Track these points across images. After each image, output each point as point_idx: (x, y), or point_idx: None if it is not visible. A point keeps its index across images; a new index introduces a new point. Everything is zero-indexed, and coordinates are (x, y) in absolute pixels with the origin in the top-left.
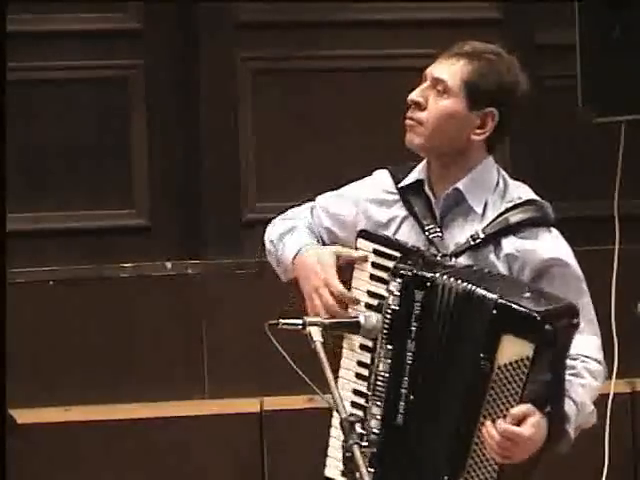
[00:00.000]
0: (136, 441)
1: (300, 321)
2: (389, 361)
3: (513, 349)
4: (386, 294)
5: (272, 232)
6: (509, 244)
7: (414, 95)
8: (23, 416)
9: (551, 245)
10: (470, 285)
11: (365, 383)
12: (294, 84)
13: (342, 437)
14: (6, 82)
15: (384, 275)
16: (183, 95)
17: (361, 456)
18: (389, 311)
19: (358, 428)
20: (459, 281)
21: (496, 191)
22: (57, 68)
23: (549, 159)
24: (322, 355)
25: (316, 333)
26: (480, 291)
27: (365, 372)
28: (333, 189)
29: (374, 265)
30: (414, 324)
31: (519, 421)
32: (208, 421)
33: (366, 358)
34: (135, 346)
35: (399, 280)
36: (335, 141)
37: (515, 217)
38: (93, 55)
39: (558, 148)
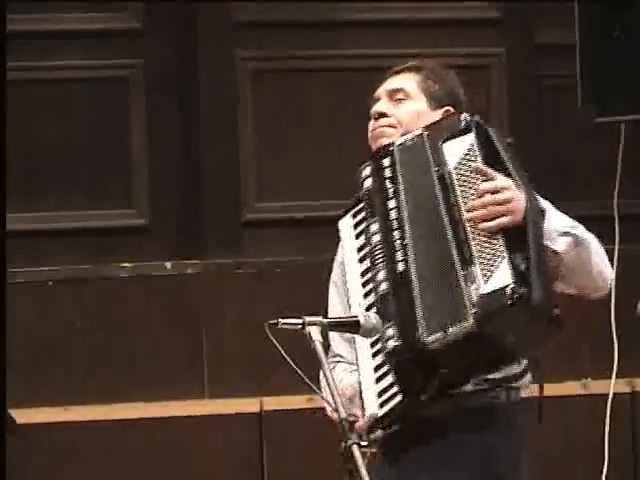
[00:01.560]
0: (136, 441)
1: (299, 321)
2: (378, 225)
3: (457, 147)
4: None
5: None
6: None
7: (377, 107)
8: (23, 416)
9: None
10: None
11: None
12: (294, 84)
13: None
14: (6, 82)
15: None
16: (183, 95)
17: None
18: (367, 193)
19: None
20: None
21: None
22: (57, 68)
23: (549, 159)
24: (321, 355)
25: (315, 333)
26: (419, 131)
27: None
28: (333, 189)
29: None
30: (389, 186)
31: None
32: (208, 421)
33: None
34: (135, 346)
35: (370, 162)
36: (335, 141)
37: None
38: (93, 55)
39: (558, 148)
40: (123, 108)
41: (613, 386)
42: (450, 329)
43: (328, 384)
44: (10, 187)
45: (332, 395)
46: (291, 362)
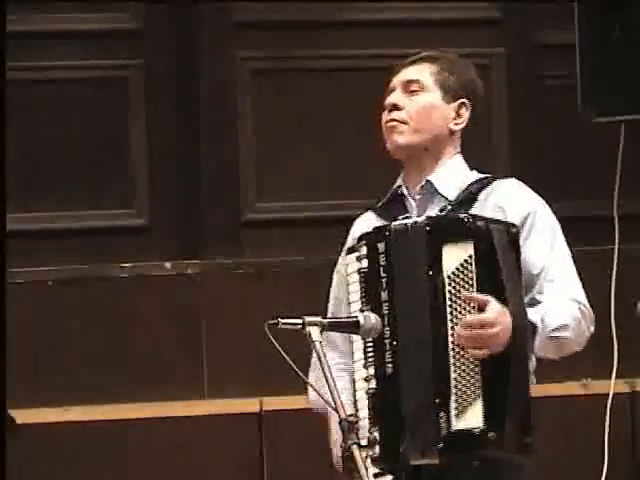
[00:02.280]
0: (135, 441)
1: (299, 321)
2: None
3: (455, 254)
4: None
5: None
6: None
7: (392, 99)
8: (23, 416)
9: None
10: (409, 220)
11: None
12: (294, 84)
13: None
14: (5, 82)
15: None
16: (183, 95)
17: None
18: (361, 275)
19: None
20: (405, 221)
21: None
22: (56, 68)
23: (549, 159)
24: (321, 355)
25: (315, 333)
26: (414, 219)
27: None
28: (332, 189)
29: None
30: (383, 275)
31: (480, 309)
32: (208, 421)
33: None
34: (134, 346)
35: (364, 242)
36: (335, 141)
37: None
38: (92, 55)
39: (558, 148)
40: (123, 108)
41: (613, 386)
42: (425, 456)
43: (328, 384)
44: (9, 187)
45: (332, 395)
46: (290, 362)
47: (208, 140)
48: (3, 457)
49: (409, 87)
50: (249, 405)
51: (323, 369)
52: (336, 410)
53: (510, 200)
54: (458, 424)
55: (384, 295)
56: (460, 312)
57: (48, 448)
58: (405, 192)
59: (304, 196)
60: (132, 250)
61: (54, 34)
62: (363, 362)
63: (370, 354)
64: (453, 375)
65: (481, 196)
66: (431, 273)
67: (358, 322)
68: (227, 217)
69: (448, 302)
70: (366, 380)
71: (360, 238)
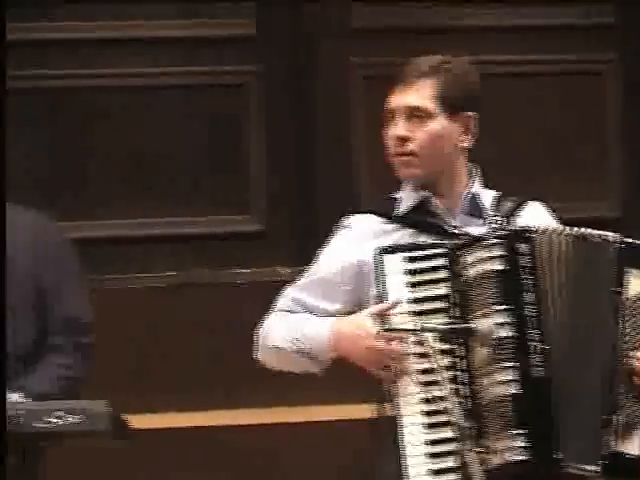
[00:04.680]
0: (239, 447)
1: (416, 327)
2: (510, 319)
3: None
4: (445, 291)
5: (275, 336)
6: None
7: (399, 131)
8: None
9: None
10: (579, 229)
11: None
12: None
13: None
14: (5, 84)
15: (427, 276)
16: (297, 101)
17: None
18: (495, 276)
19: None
20: (561, 229)
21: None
22: (171, 74)
23: None
24: (437, 361)
25: (431, 339)
26: (597, 232)
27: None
28: None
29: (412, 272)
30: (524, 277)
31: None
32: (304, 428)
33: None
34: (248, 351)
35: (498, 240)
36: None
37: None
38: (207, 62)
39: None
40: (238, 114)
41: None
42: (584, 467)
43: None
44: (128, 194)
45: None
46: (395, 367)
47: (324, 146)
48: (3, 458)
49: (411, 114)
50: (361, 411)
51: (439, 375)
52: (453, 415)
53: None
54: (621, 446)
55: (528, 297)
56: (634, 336)
57: (159, 453)
58: (435, 203)
59: None
60: (248, 256)
61: (169, 41)
62: (491, 367)
63: (506, 357)
64: (622, 396)
65: (522, 214)
66: (612, 290)
67: (475, 328)
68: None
69: (623, 324)
70: (501, 383)
71: (478, 240)
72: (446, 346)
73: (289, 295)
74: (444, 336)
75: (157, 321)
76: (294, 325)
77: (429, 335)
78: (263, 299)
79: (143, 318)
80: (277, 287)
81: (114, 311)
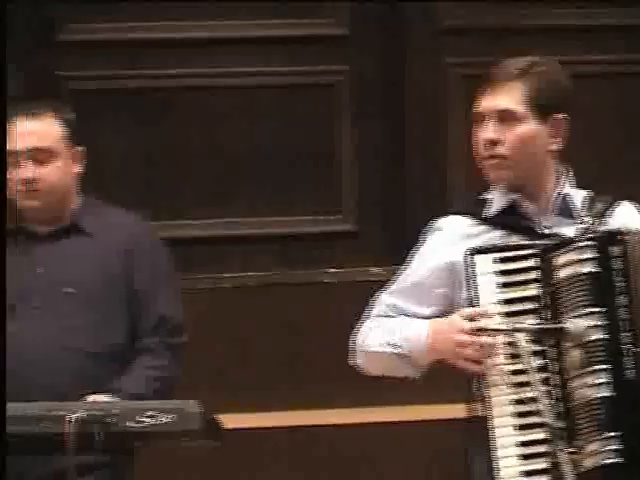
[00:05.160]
0: (326, 448)
1: (508, 327)
2: (602, 322)
3: None
4: (536, 292)
5: (371, 342)
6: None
7: (489, 134)
8: (229, 421)
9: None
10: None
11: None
12: None
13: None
14: (6, 84)
15: (518, 277)
16: (390, 101)
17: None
18: (586, 279)
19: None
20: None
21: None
22: (265, 74)
23: None
24: (529, 361)
25: (522, 339)
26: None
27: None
28: None
29: (504, 272)
30: (617, 279)
31: None
32: (414, 427)
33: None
34: (341, 352)
35: (590, 243)
36: None
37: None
38: (300, 61)
39: None
40: (330, 114)
41: None
42: None
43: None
44: (221, 194)
45: None
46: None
47: (415, 145)
48: (3, 458)
49: (501, 117)
50: (453, 411)
51: (529, 375)
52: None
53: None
54: None
55: (620, 300)
56: None
57: (238, 453)
58: (525, 205)
59: None
60: (340, 255)
61: (262, 40)
62: (583, 369)
63: (598, 360)
64: None
65: (613, 214)
66: None
67: (567, 328)
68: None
69: None
70: (594, 386)
71: (569, 242)
72: (538, 347)
73: (383, 301)
74: (535, 336)
75: (249, 321)
76: (391, 329)
77: (521, 336)
78: (354, 299)
79: (233, 318)
80: (368, 287)
81: (204, 311)
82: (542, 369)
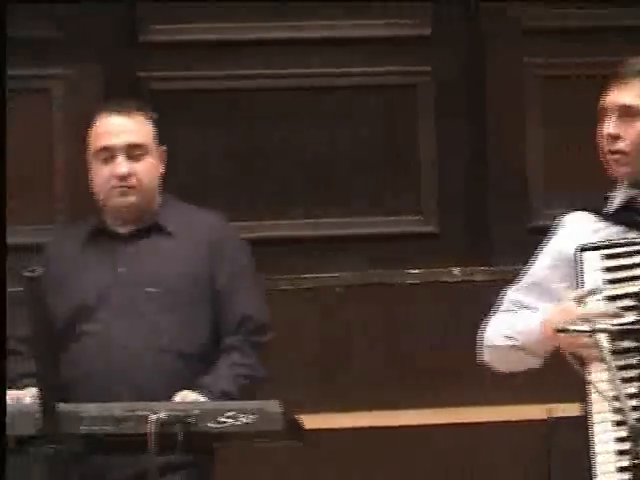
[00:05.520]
0: (420, 448)
1: (588, 327)
2: None
3: None
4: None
5: (494, 336)
6: None
7: (611, 129)
8: (311, 422)
9: None
10: None
11: None
12: (581, 91)
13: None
14: (5, 83)
15: (624, 274)
16: (471, 102)
17: None
18: None
19: None
20: None
21: None
22: (346, 75)
23: None
24: (610, 362)
25: (604, 340)
26: None
27: None
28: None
29: (610, 269)
30: None
31: None
32: (495, 428)
33: None
34: (422, 351)
35: None
36: None
37: None
38: (380, 62)
39: None
40: (411, 115)
41: None
42: None
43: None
44: (301, 196)
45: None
46: (578, 368)
47: (496, 147)
48: (3, 458)
49: (622, 112)
50: (535, 412)
51: (611, 375)
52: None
53: None
54: None
55: None
56: None
57: (338, 453)
58: None
59: (594, 202)
60: (421, 256)
61: (341, 41)
62: None
63: None
64: None
65: None
66: None
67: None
68: (515, 224)
69: None
70: None
71: None
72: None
73: (508, 297)
74: (618, 337)
75: (330, 322)
76: (510, 323)
77: (602, 335)
78: (436, 300)
79: (317, 319)
80: (449, 288)
81: (288, 312)
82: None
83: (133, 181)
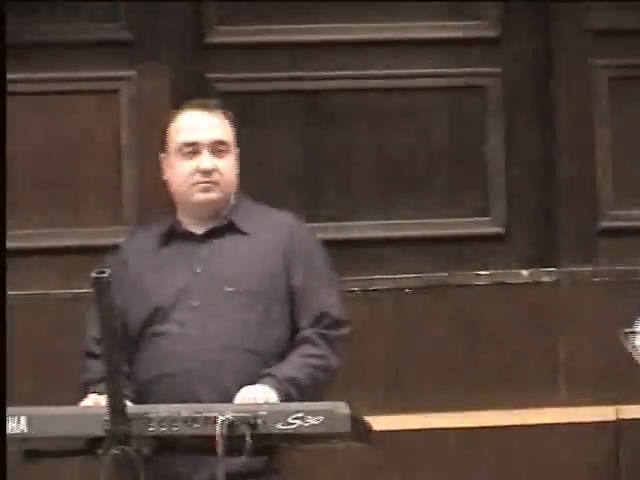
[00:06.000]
0: (489, 449)
1: None
2: None
3: None
4: None
5: None
6: None
7: None
8: (380, 423)
9: None
10: None
11: None
12: None
13: None
14: (5, 84)
15: None
16: (539, 103)
17: None
18: None
19: None
20: None
21: None
22: (414, 76)
23: None
24: None
25: None
26: None
27: None
28: None
29: None
30: None
31: None
32: (563, 430)
33: None
34: (490, 353)
35: None
36: None
37: None
38: (450, 63)
39: None
40: (479, 116)
41: None
42: None
43: None
44: (369, 196)
45: None
46: None
47: (564, 147)
48: (3, 457)
49: None
50: (605, 413)
51: None
52: None
53: None
54: None
55: None
56: None
57: (407, 454)
58: None
59: None
60: (489, 258)
61: (409, 42)
62: None
63: None
64: None
65: None
66: None
67: None
68: (583, 225)
69: None
70: None
71: None
72: None
73: None
74: None
75: (402, 323)
76: None
77: None
78: (503, 301)
79: (386, 320)
80: (516, 289)
81: (358, 313)
82: None
83: (216, 177)
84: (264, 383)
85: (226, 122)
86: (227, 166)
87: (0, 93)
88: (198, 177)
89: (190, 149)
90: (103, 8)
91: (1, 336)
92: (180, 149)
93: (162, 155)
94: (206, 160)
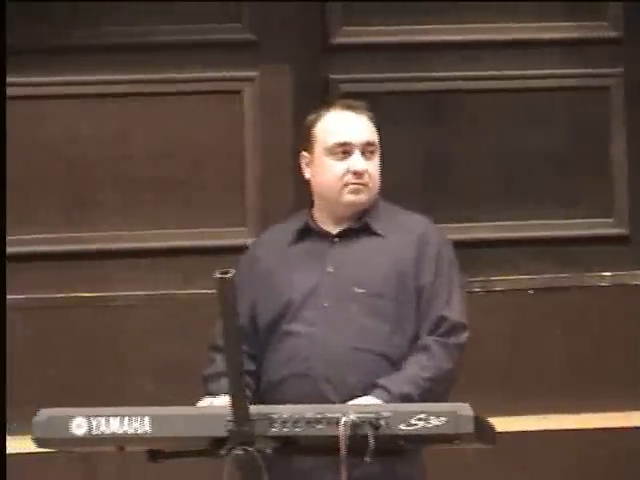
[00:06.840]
0: (601, 449)
1: None
2: None
3: None
4: None
5: None
6: None
7: None
8: (502, 424)
9: None
10: None
11: None
12: None
13: None
14: (5, 84)
15: None
16: None
17: None
18: None
19: None
20: None
21: None
22: (537, 77)
23: None
24: None
25: None
26: None
27: None
28: None
29: None
30: None
31: None
32: None
33: None
34: (614, 354)
35: None
36: None
37: None
38: (573, 64)
39: None
40: (604, 117)
41: None
42: None
43: None
44: (490, 197)
45: None
46: None
47: None
48: (3, 457)
49: None
50: None
51: None
52: None
53: None
54: None
55: None
56: None
57: (523, 454)
58: None
59: None
60: (612, 259)
61: (535, 43)
62: None
63: None
64: None
65: None
66: None
67: None
68: None
69: None
70: None
71: None
72: None
73: None
74: None
75: (523, 323)
76: None
77: None
78: (626, 302)
79: (509, 321)
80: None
81: (480, 314)
82: None
83: (366, 178)
84: (377, 396)
85: (371, 123)
86: (375, 168)
87: (0, 90)
88: (349, 178)
89: (342, 149)
90: (227, 9)
91: (1, 336)
92: (331, 149)
93: (304, 154)
94: (359, 162)
